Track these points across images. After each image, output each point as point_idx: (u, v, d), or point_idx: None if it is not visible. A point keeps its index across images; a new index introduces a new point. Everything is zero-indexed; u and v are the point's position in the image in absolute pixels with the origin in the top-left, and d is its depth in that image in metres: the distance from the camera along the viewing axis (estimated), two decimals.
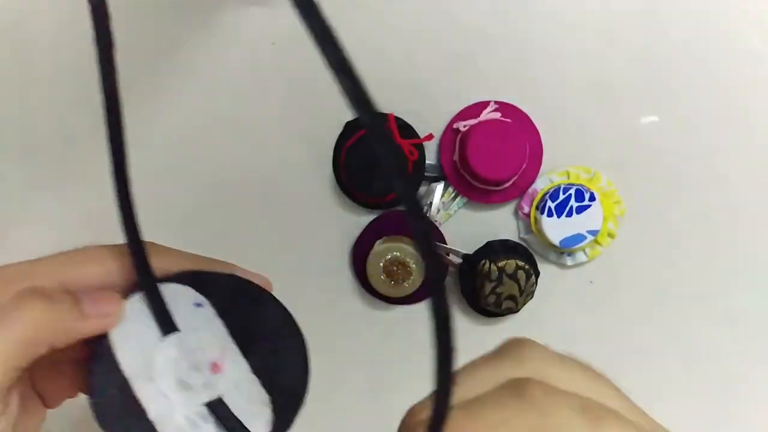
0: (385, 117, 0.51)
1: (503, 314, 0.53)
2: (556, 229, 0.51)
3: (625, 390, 0.23)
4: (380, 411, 0.55)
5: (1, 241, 0.57)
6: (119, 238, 0.26)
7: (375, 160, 0.52)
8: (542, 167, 0.53)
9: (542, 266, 0.54)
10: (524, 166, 0.51)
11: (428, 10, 0.53)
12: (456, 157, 0.52)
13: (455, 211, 0.54)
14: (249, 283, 0.29)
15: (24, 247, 0.57)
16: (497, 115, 0.52)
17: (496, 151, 0.50)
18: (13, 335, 0.24)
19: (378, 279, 0.52)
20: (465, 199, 0.54)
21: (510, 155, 0.50)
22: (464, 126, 0.52)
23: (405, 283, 0.51)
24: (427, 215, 0.54)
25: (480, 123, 0.51)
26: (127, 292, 0.28)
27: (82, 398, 0.28)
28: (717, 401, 0.55)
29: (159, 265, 0.28)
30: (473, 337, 0.55)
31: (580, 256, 0.53)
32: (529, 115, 0.53)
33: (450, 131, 0.53)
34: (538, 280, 0.53)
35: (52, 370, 0.29)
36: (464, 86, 0.53)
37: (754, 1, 0.52)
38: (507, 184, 0.52)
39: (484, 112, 0.52)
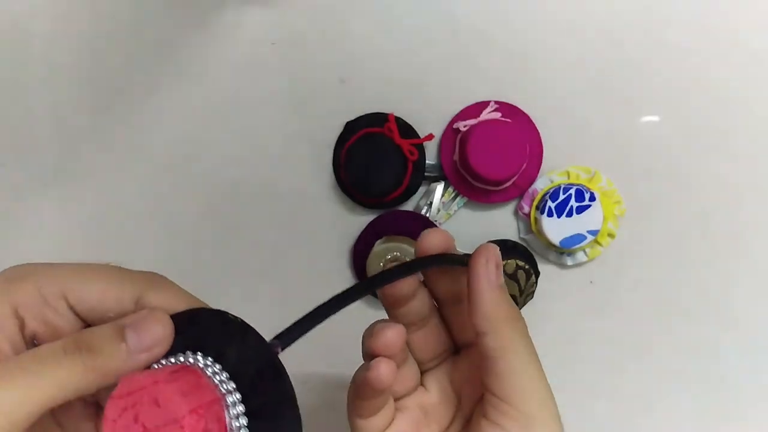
0: None
1: None
2: (556, 229, 0.51)
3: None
4: None
5: (1, 241, 0.57)
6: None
7: (375, 160, 0.52)
8: (542, 167, 0.53)
9: (542, 266, 0.54)
10: (524, 166, 0.51)
11: (428, 10, 0.53)
12: (456, 157, 0.52)
13: (455, 211, 0.54)
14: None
15: (24, 247, 0.57)
16: (497, 115, 0.52)
17: (496, 151, 0.50)
18: (42, 394, 0.23)
19: None
20: (465, 199, 0.54)
21: (510, 155, 0.50)
22: (464, 126, 0.52)
23: None
24: (427, 215, 0.54)
25: (480, 123, 0.51)
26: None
27: None
28: (717, 401, 0.55)
29: (159, 301, 0.27)
30: None
31: (580, 256, 0.53)
32: (529, 115, 0.53)
33: (450, 131, 0.53)
34: (538, 280, 0.53)
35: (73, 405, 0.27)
36: (464, 86, 0.53)
37: (754, 1, 0.52)
38: (507, 184, 0.52)
39: (484, 112, 0.52)
